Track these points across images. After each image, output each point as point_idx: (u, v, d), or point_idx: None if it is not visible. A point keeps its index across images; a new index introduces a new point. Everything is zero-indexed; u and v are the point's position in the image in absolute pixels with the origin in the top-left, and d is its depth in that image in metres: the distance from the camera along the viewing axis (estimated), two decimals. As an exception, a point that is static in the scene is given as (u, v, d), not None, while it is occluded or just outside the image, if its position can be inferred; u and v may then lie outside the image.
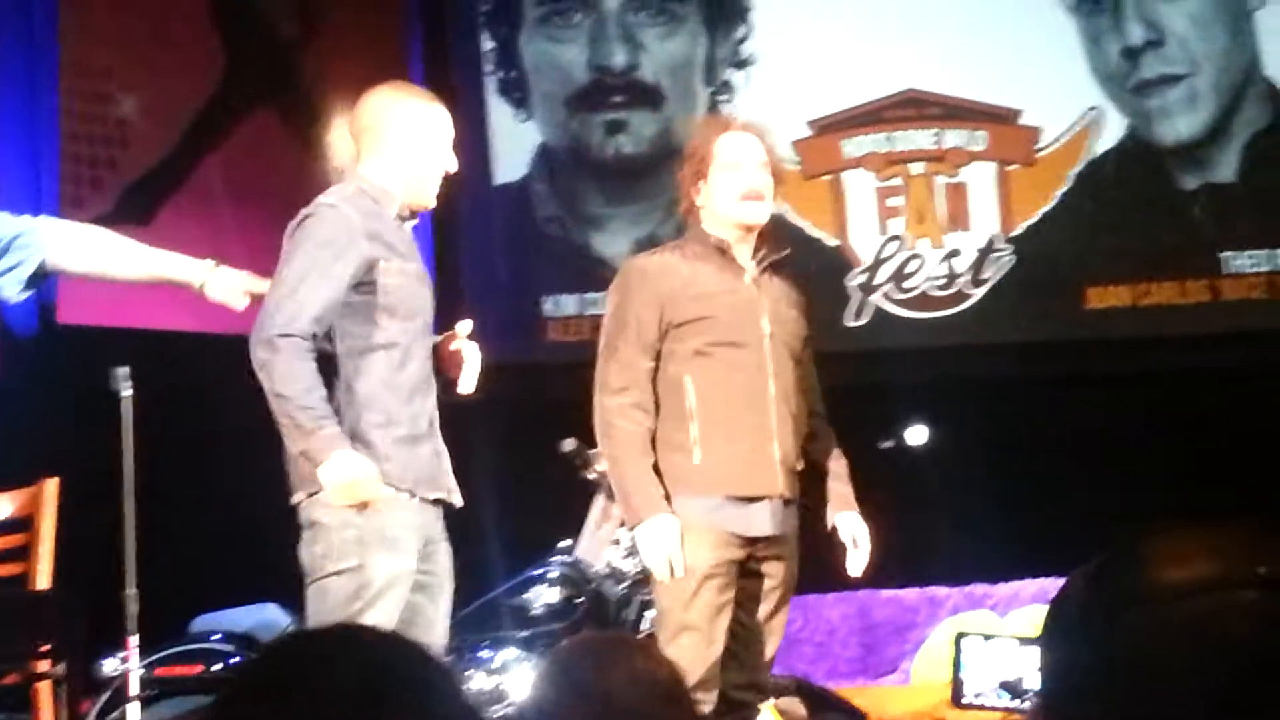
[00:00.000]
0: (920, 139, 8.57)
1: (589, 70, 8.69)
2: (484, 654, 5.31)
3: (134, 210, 7.61)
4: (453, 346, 4.42)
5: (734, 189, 4.54)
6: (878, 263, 8.48)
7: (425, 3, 8.89)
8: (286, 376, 4.01)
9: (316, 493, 4.10)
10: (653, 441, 4.44)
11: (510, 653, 5.34)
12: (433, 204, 4.44)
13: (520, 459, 6.65)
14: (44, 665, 4.58)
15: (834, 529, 4.66)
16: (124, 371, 4.89)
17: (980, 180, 8.51)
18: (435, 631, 4.28)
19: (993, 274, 8.43)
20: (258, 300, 4.23)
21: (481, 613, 5.36)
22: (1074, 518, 6.70)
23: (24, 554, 4.83)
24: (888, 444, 8.57)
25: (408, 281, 4.26)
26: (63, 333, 7.08)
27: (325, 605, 4.08)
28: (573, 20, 8.70)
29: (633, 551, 5.33)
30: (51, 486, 4.90)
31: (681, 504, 4.39)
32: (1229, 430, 7.75)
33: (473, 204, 8.40)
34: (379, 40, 8.65)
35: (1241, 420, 7.78)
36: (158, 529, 4.86)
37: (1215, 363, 8.07)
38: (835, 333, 7.72)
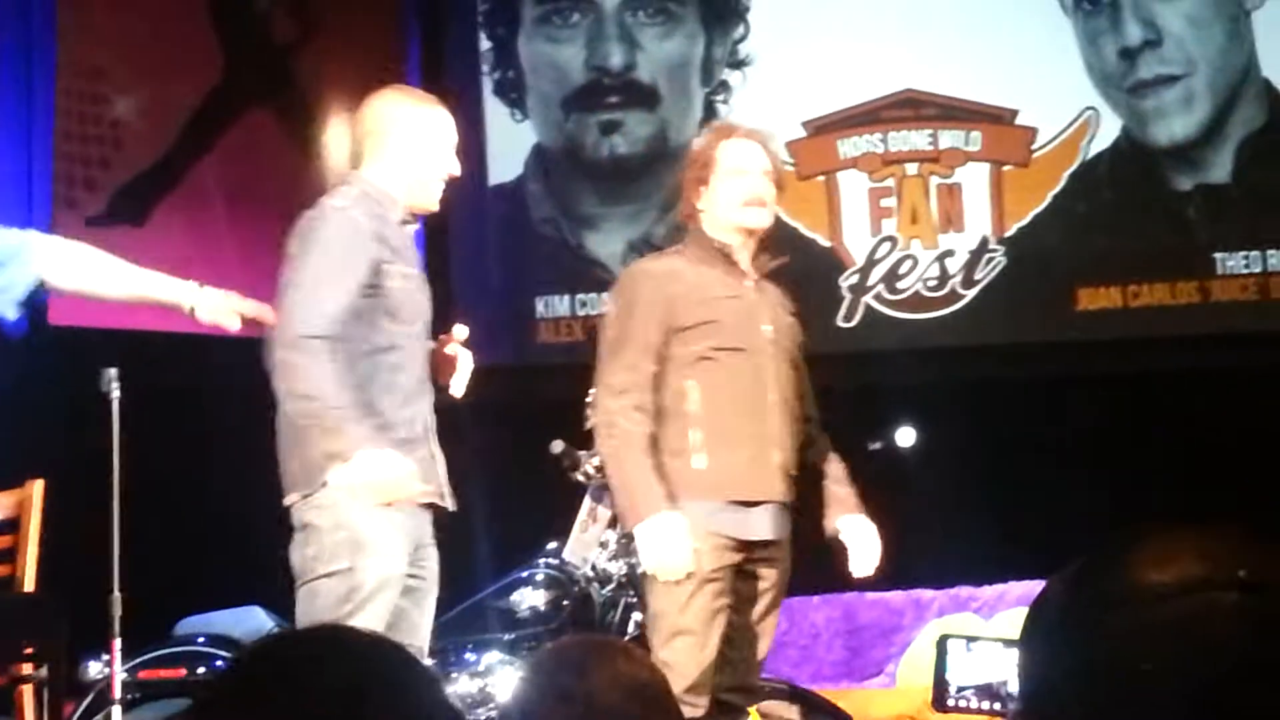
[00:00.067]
0: (916, 139, 8.57)
1: (586, 70, 8.69)
2: (469, 656, 5.30)
3: (127, 211, 7.61)
4: (447, 350, 4.44)
5: (737, 195, 4.58)
6: (870, 264, 8.48)
7: (422, 2, 8.89)
8: (315, 378, 4.06)
9: (311, 495, 4.13)
10: (652, 444, 4.43)
11: (495, 655, 5.33)
12: (435, 208, 4.48)
13: (509, 460, 6.64)
14: (27, 668, 4.56)
15: (836, 532, 4.68)
16: (113, 373, 4.88)
17: (974, 181, 8.51)
18: (419, 634, 4.31)
19: (985, 275, 8.43)
20: (248, 321, 4.23)
21: (467, 615, 5.35)
22: (1063, 520, 6.69)
23: (9, 556, 4.82)
24: (876, 445, 8.56)
25: (410, 285, 4.30)
26: (53, 334, 7.06)
27: (315, 607, 4.09)
28: (570, 20, 8.70)
29: (618, 554, 5.34)
30: (37, 488, 4.90)
31: (683, 508, 4.39)
32: (1220, 432, 7.76)
33: (467, 204, 8.38)
34: (375, 40, 8.65)
35: (1232, 422, 7.78)
36: (143, 531, 4.84)
37: (1206, 364, 8.08)
38: (827, 334, 7.72)
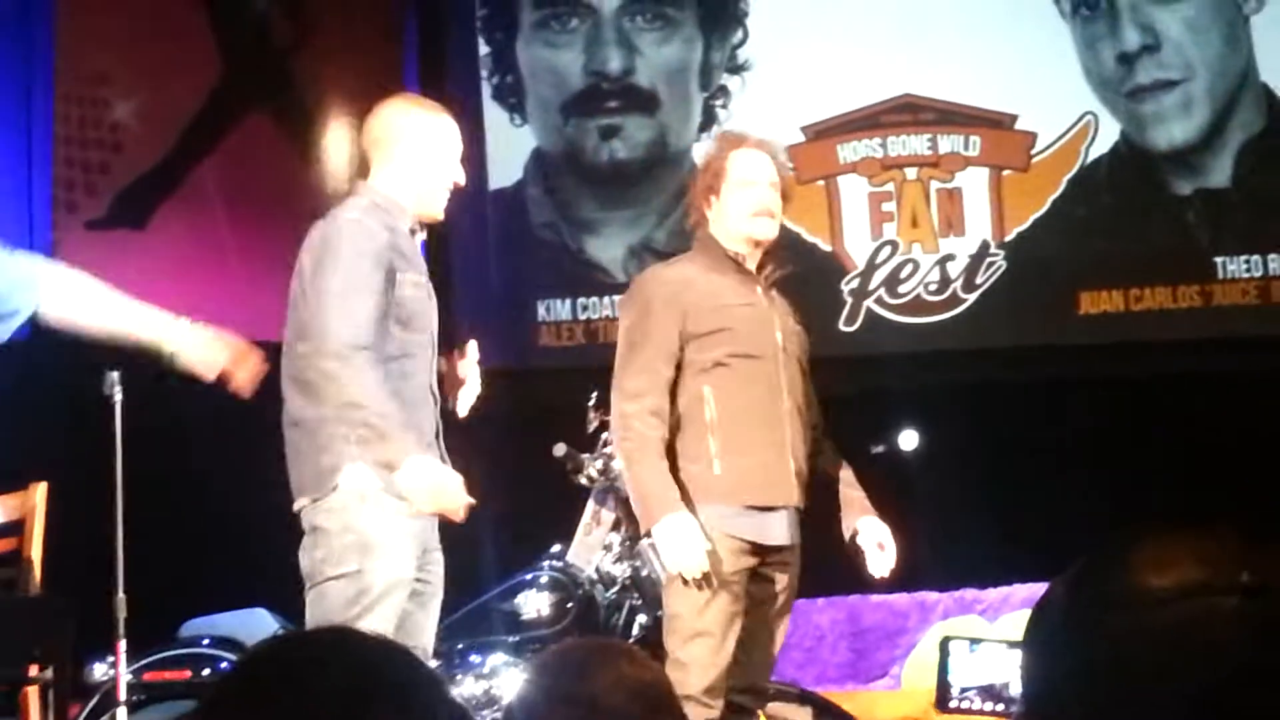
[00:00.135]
0: (915, 144, 8.57)
1: (585, 75, 8.68)
2: (474, 658, 5.30)
3: (128, 214, 7.62)
4: (459, 367, 4.48)
5: (745, 206, 4.63)
6: (871, 268, 8.48)
7: (421, 7, 8.89)
8: (361, 386, 4.09)
9: (320, 499, 4.16)
10: (668, 453, 4.47)
11: (500, 657, 5.33)
12: (441, 216, 4.52)
13: (512, 463, 6.64)
14: (32, 670, 4.57)
15: (854, 534, 4.73)
16: (115, 375, 4.88)
17: (974, 185, 8.51)
18: (424, 637, 4.33)
19: (985, 279, 8.43)
20: (224, 373, 4.23)
21: (471, 617, 5.35)
22: (1065, 522, 6.68)
23: (13, 559, 4.83)
24: (879, 449, 8.56)
25: (420, 294, 4.34)
26: (55, 336, 7.06)
27: (324, 609, 4.12)
28: (569, 25, 8.70)
29: (622, 557, 5.35)
30: (41, 491, 4.90)
31: (701, 512, 4.43)
32: (1221, 435, 7.75)
33: (467, 209, 8.37)
34: (374, 44, 8.64)
35: (1234, 425, 7.77)
36: (147, 533, 4.85)
37: (1207, 368, 8.07)
38: (829, 338, 7.71)
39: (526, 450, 5.78)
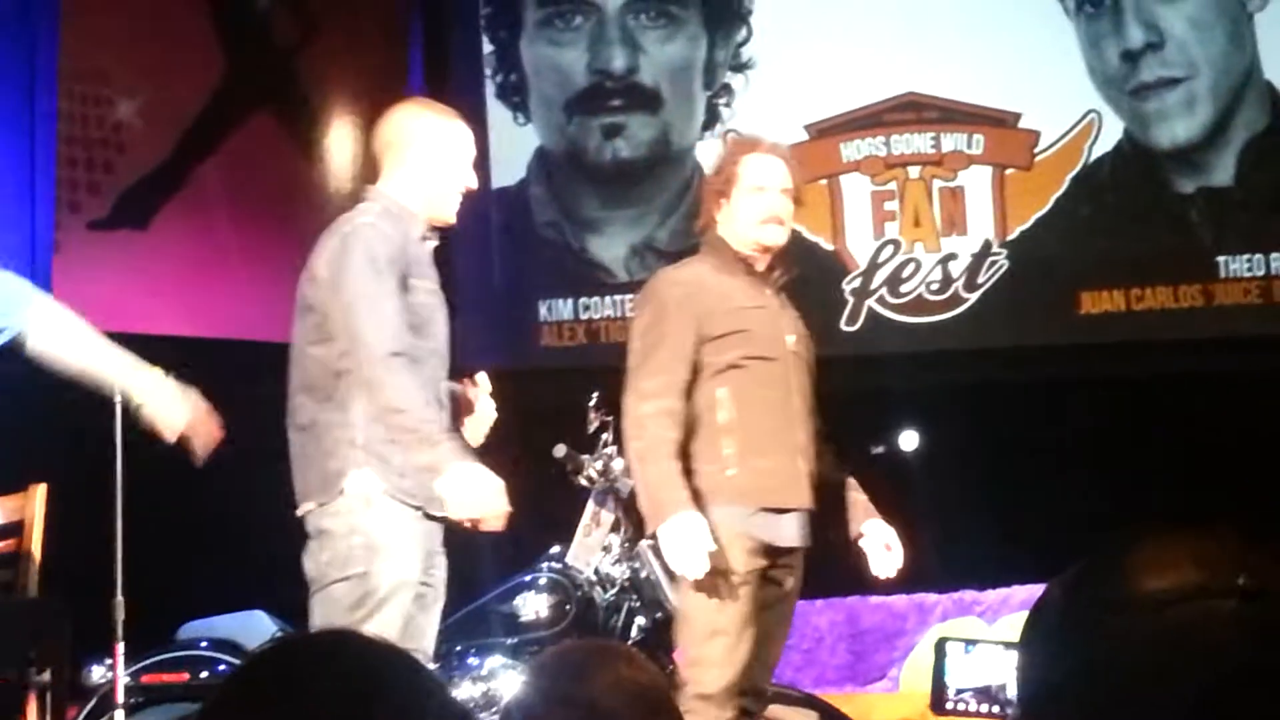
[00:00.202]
0: (918, 143, 8.56)
1: (588, 74, 8.69)
2: (472, 660, 5.30)
3: (131, 214, 7.62)
4: (477, 405, 4.53)
5: (755, 212, 4.65)
6: (873, 267, 8.47)
7: (425, 5, 8.89)
8: (403, 390, 4.11)
9: (327, 503, 4.19)
10: (683, 454, 4.47)
11: (498, 659, 5.32)
12: (452, 220, 4.53)
13: (511, 464, 6.63)
14: (30, 672, 4.55)
15: (860, 537, 4.77)
16: (116, 377, 4.87)
17: (977, 184, 8.51)
18: (425, 640, 4.34)
19: (987, 278, 8.42)
20: (183, 435, 4.21)
21: (470, 619, 5.35)
22: (1066, 523, 6.68)
23: (12, 561, 4.82)
24: (879, 449, 8.56)
25: (432, 301, 4.37)
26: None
27: (330, 612, 4.14)
28: (573, 23, 8.70)
29: (621, 558, 5.34)
30: (40, 493, 4.89)
31: (716, 512, 4.44)
32: (1223, 435, 7.75)
33: (469, 208, 8.32)
34: (378, 43, 8.65)
35: (1236, 425, 7.77)
36: (146, 535, 4.84)
37: (1209, 367, 8.07)
38: (830, 338, 7.71)
39: (526, 450, 5.77)
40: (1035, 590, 7.26)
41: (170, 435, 4.25)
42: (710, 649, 4.41)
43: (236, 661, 5.26)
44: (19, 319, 4.22)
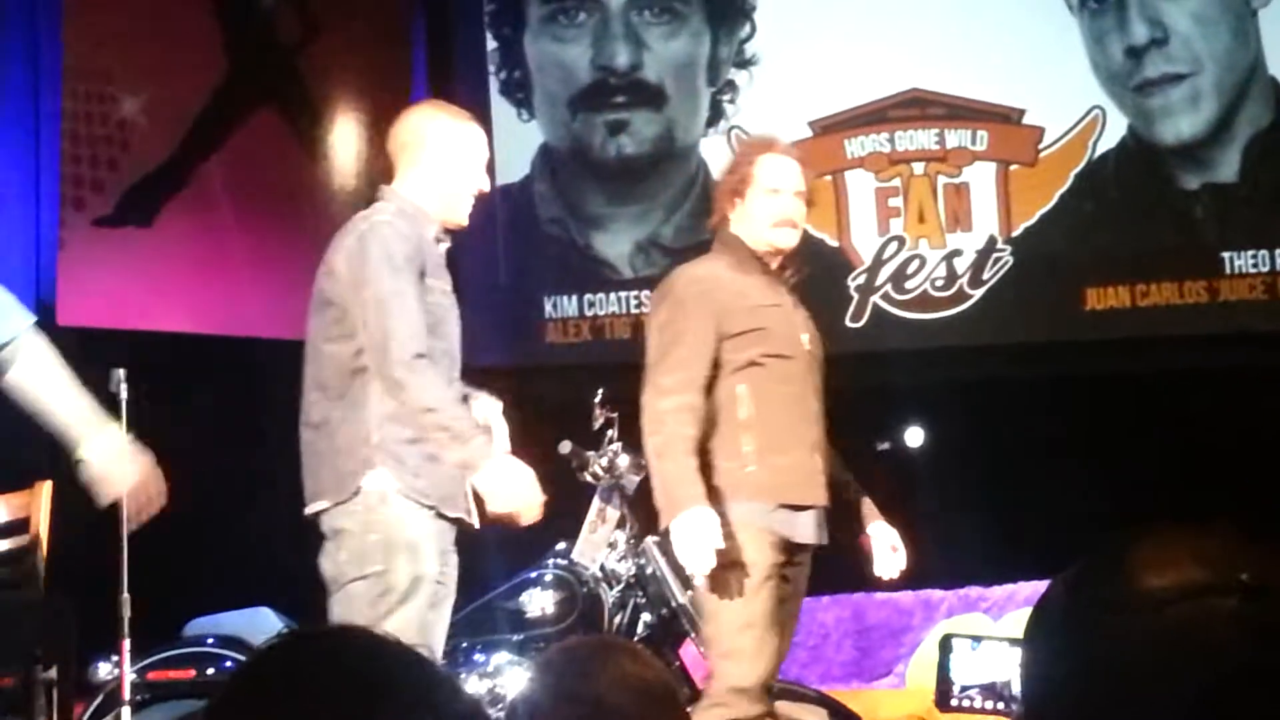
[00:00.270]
0: (923, 139, 8.56)
1: (592, 70, 8.68)
2: (478, 657, 5.31)
3: (135, 212, 7.63)
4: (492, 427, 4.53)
5: (769, 215, 4.66)
6: (878, 263, 8.47)
7: (428, 3, 8.89)
8: (431, 389, 4.15)
9: (342, 502, 4.20)
10: (701, 449, 4.49)
11: (504, 656, 5.33)
12: (465, 222, 4.55)
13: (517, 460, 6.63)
14: (37, 669, 4.56)
15: (866, 538, 4.80)
16: (121, 373, 4.88)
17: (981, 180, 8.50)
18: (435, 637, 4.33)
19: (992, 275, 8.42)
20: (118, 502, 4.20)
21: (476, 615, 5.35)
22: (1071, 520, 6.68)
23: (18, 557, 4.82)
24: (884, 445, 8.56)
25: (445, 301, 4.40)
26: (61, 334, 7.06)
27: (350, 610, 4.16)
28: (576, 20, 8.69)
29: (627, 554, 5.35)
30: (46, 489, 4.90)
31: (737, 507, 4.46)
32: (1228, 432, 7.74)
33: (474, 204, 8.38)
34: (382, 40, 8.65)
35: (1241, 421, 7.76)
36: (152, 532, 4.84)
37: (1215, 363, 8.07)
38: (835, 334, 7.71)
39: (531, 447, 5.78)
40: (1040, 586, 7.23)
41: (104, 500, 4.20)
42: (742, 641, 4.43)
43: (243, 658, 5.27)
44: (8, 328, 4.20)
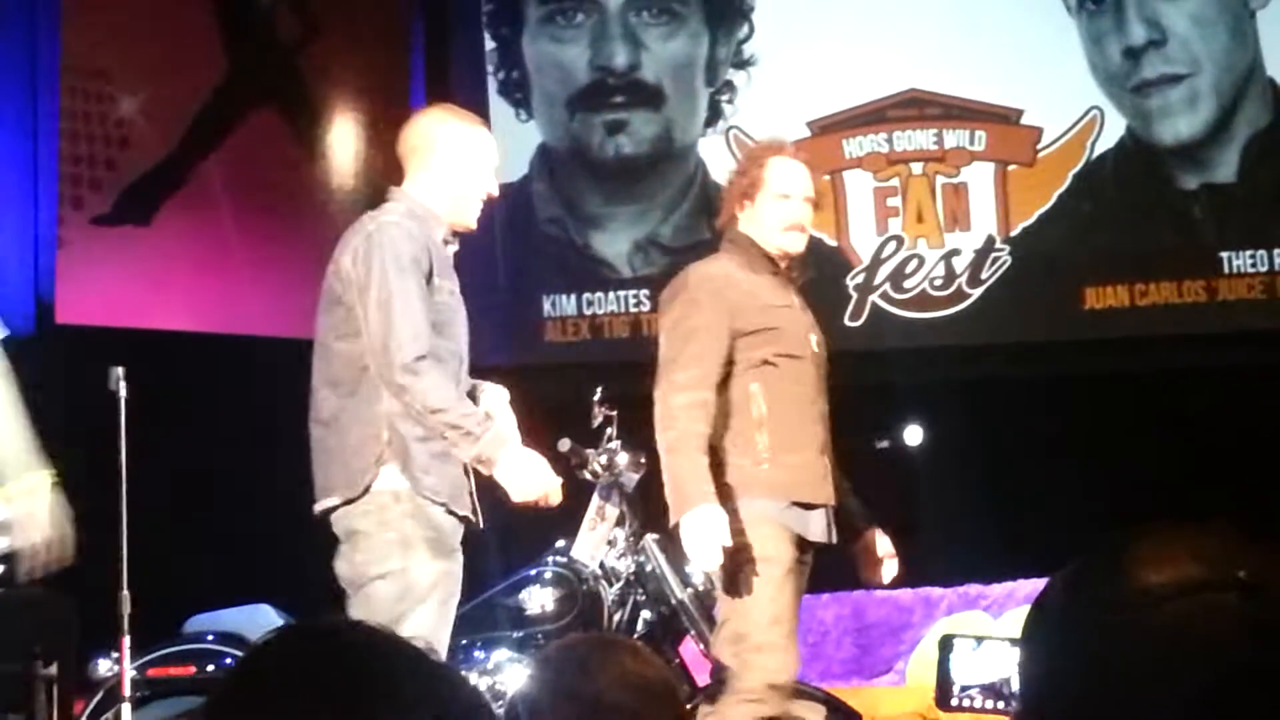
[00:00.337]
0: (921, 139, 8.56)
1: (590, 70, 8.68)
2: (478, 654, 5.30)
3: (133, 210, 7.63)
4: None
5: (779, 219, 4.69)
6: (876, 263, 8.47)
7: (427, 3, 8.88)
8: (437, 392, 4.16)
9: (353, 500, 4.21)
10: (713, 448, 4.50)
11: (504, 653, 5.33)
12: (473, 225, 4.59)
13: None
14: (37, 666, 4.57)
15: (860, 544, 4.84)
16: (119, 371, 4.89)
17: (980, 180, 8.51)
18: (442, 634, 4.33)
19: (990, 274, 8.42)
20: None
21: (476, 613, 5.34)
22: (1070, 518, 6.69)
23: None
24: (883, 444, 8.57)
25: (453, 301, 4.43)
26: (60, 332, 7.08)
27: (371, 610, 4.15)
28: (575, 20, 8.69)
29: (626, 552, 5.35)
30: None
31: (753, 504, 4.48)
32: (1227, 430, 7.75)
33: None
34: (381, 41, 8.65)
35: (1239, 420, 7.77)
36: (151, 529, 4.85)
37: (1213, 363, 8.07)
38: (833, 333, 7.71)
39: (531, 445, 5.78)
40: (1040, 584, 7.21)
41: (9, 543, 4.20)
42: (775, 635, 4.46)
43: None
44: None
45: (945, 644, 3.63)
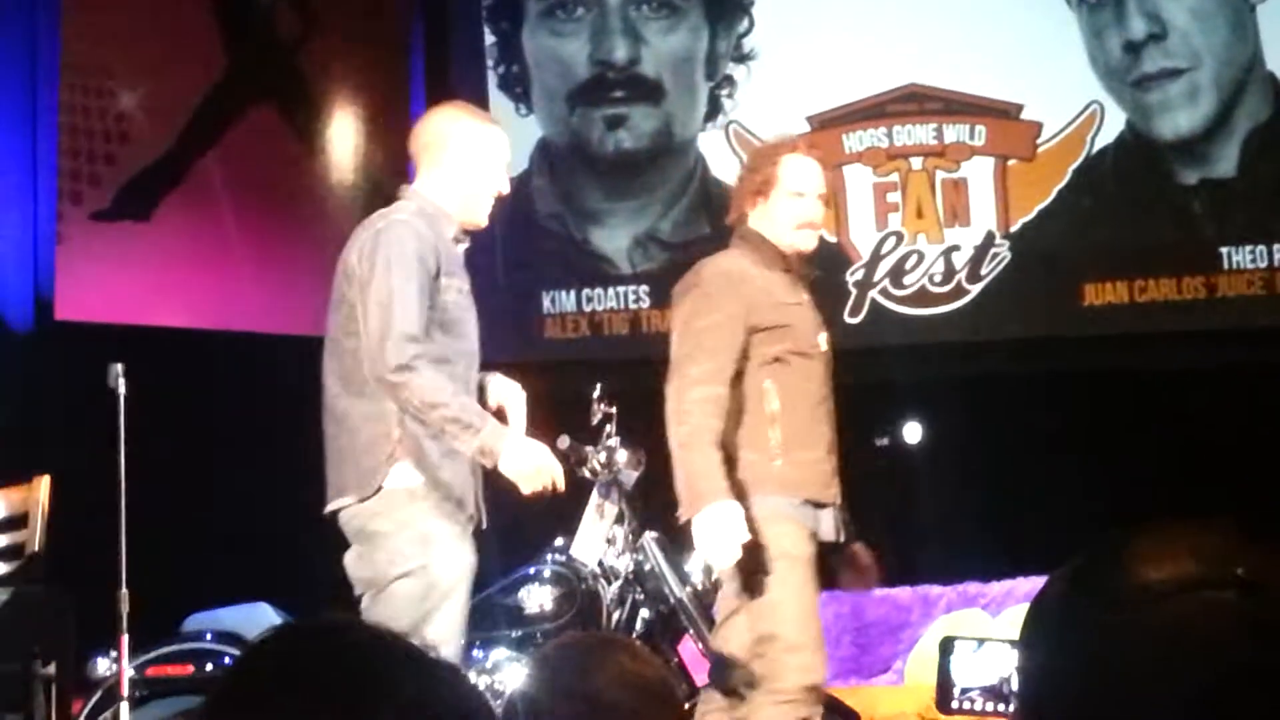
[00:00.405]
0: (921, 134, 8.55)
1: (590, 65, 8.67)
2: (476, 653, 5.29)
3: (133, 206, 7.63)
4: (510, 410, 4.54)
5: (793, 218, 4.67)
6: (876, 259, 8.47)
7: (427, -1, 8.89)
8: (433, 388, 4.16)
9: (366, 499, 4.22)
10: (725, 443, 4.50)
11: (502, 652, 5.32)
12: (484, 223, 4.58)
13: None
14: (35, 665, 4.57)
15: (845, 553, 4.83)
16: (119, 368, 4.88)
17: (980, 175, 8.50)
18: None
19: (990, 270, 8.42)
20: None
21: (475, 611, 5.32)
22: (1069, 516, 6.68)
23: (16, 552, 4.82)
24: (883, 441, 8.56)
25: (462, 301, 4.42)
26: (59, 329, 7.08)
27: (393, 611, 4.14)
28: (574, 14, 8.69)
29: (625, 550, 5.34)
30: (44, 484, 4.90)
31: (766, 501, 4.48)
32: (1226, 426, 7.74)
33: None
34: (380, 35, 8.65)
35: (1239, 416, 7.76)
36: (150, 527, 4.85)
37: (1213, 359, 8.07)
38: (833, 329, 7.71)
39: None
40: (1039, 583, 7.18)
41: None
42: (810, 633, 4.49)
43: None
44: None
45: (945, 646, 3.62)
